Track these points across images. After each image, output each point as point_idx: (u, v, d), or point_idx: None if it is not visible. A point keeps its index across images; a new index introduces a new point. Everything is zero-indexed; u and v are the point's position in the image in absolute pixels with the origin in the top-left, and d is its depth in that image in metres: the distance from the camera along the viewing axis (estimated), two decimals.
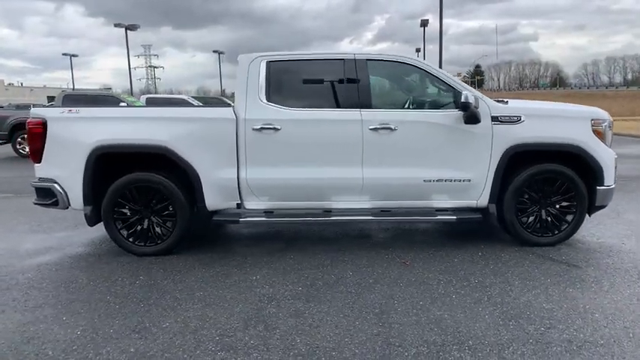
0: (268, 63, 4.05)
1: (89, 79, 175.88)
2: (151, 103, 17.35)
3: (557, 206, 4.12)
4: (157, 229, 4.08)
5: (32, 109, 4.11)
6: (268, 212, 4.18)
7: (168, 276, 3.60)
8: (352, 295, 3.18)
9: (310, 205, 4.14)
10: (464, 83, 4.11)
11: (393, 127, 3.92)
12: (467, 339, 2.57)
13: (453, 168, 4.00)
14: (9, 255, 4.18)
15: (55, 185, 4.00)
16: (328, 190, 4.06)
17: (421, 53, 37.48)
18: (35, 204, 4.16)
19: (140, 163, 4.06)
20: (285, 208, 4.17)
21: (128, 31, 34.79)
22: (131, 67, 36.46)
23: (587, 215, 4.15)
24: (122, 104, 12.38)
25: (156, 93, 43.12)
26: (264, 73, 4.01)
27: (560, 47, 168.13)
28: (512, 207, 4.06)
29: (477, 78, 75.33)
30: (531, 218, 4.14)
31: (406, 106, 4.25)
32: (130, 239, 4.07)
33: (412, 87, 4.34)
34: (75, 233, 4.89)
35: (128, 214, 4.06)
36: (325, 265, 3.78)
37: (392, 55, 4.12)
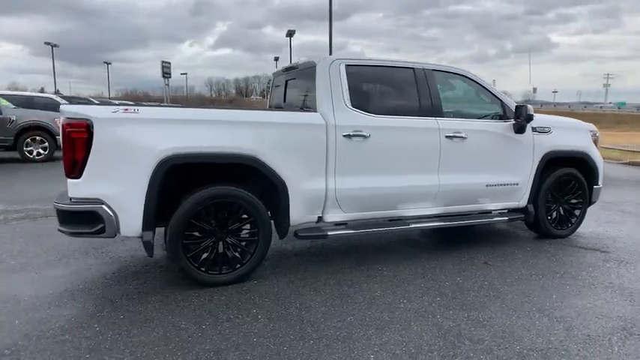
0: (347, 67, 3.84)
1: None
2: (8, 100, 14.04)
3: (568, 204, 4.91)
4: (229, 253, 3.46)
5: (68, 106, 3.06)
6: (340, 224, 3.94)
7: (288, 305, 3.11)
8: (493, 299, 3.26)
9: (386, 215, 4.05)
10: (507, 97, 4.57)
11: (464, 135, 4.13)
12: (635, 324, 2.94)
13: (507, 173, 4.41)
14: (20, 307, 3.00)
15: (103, 207, 3.06)
16: (407, 198, 4.04)
17: (289, 62, 37.84)
18: (69, 233, 3.10)
19: (212, 175, 3.40)
20: (361, 219, 3.99)
21: None
22: None
23: None
24: None
25: None
26: (345, 77, 3.79)
27: None
28: (544, 205, 4.69)
29: None
30: (554, 214, 4.84)
31: (466, 115, 4.48)
32: (203, 268, 3.35)
33: (468, 98, 4.62)
34: (74, 269, 3.75)
35: (199, 236, 3.35)
36: (424, 275, 3.74)
37: (451, 67, 4.34)
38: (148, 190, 3.11)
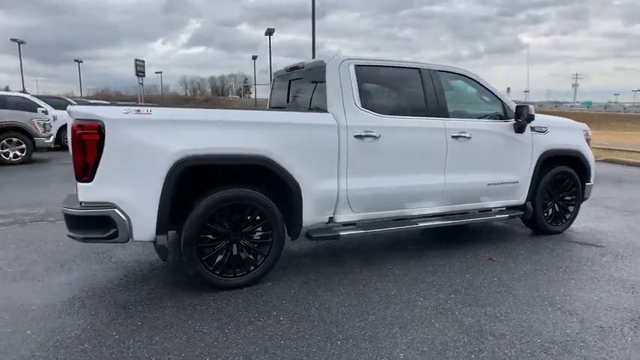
0: (356, 67, 3.85)
1: None
2: None
3: (563, 200, 5.07)
4: (243, 255, 3.42)
5: (78, 107, 2.96)
6: (350, 224, 3.95)
7: (307, 306, 3.10)
8: (505, 294, 3.34)
9: (394, 214, 4.08)
10: (507, 97, 4.68)
11: (468, 135, 4.21)
12: None
13: (507, 172, 4.52)
14: (46, 316, 2.89)
15: (116, 211, 2.98)
16: (415, 197, 4.09)
17: (267, 61, 37.08)
18: (80, 239, 3.00)
19: (225, 177, 3.36)
20: (369, 219, 4.01)
21: None
22: None
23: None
24: None
25: None
26: (354, 78, 3.80)
27: None
28: (541, 203, 4.83)
29: None
30: (550, 211, 4.99)
31: (469, 115, 4.55)
32: (217, 271, 3.31)
33: (470, 98, 4.69)
34: (77, 276, 3.63)
35: (213, 239, 3.30)
36: (434, 272, 3.79)
37: (454, 68, 4.41)
38: (162, 193, 3.04)
